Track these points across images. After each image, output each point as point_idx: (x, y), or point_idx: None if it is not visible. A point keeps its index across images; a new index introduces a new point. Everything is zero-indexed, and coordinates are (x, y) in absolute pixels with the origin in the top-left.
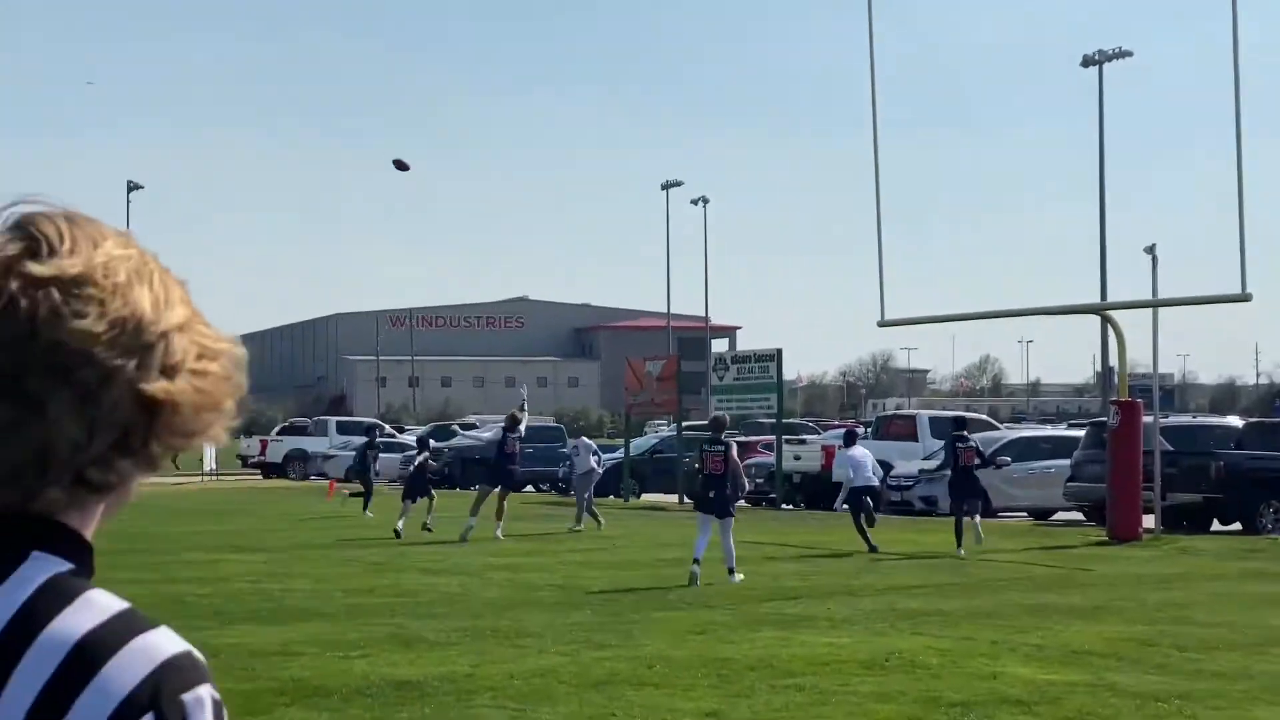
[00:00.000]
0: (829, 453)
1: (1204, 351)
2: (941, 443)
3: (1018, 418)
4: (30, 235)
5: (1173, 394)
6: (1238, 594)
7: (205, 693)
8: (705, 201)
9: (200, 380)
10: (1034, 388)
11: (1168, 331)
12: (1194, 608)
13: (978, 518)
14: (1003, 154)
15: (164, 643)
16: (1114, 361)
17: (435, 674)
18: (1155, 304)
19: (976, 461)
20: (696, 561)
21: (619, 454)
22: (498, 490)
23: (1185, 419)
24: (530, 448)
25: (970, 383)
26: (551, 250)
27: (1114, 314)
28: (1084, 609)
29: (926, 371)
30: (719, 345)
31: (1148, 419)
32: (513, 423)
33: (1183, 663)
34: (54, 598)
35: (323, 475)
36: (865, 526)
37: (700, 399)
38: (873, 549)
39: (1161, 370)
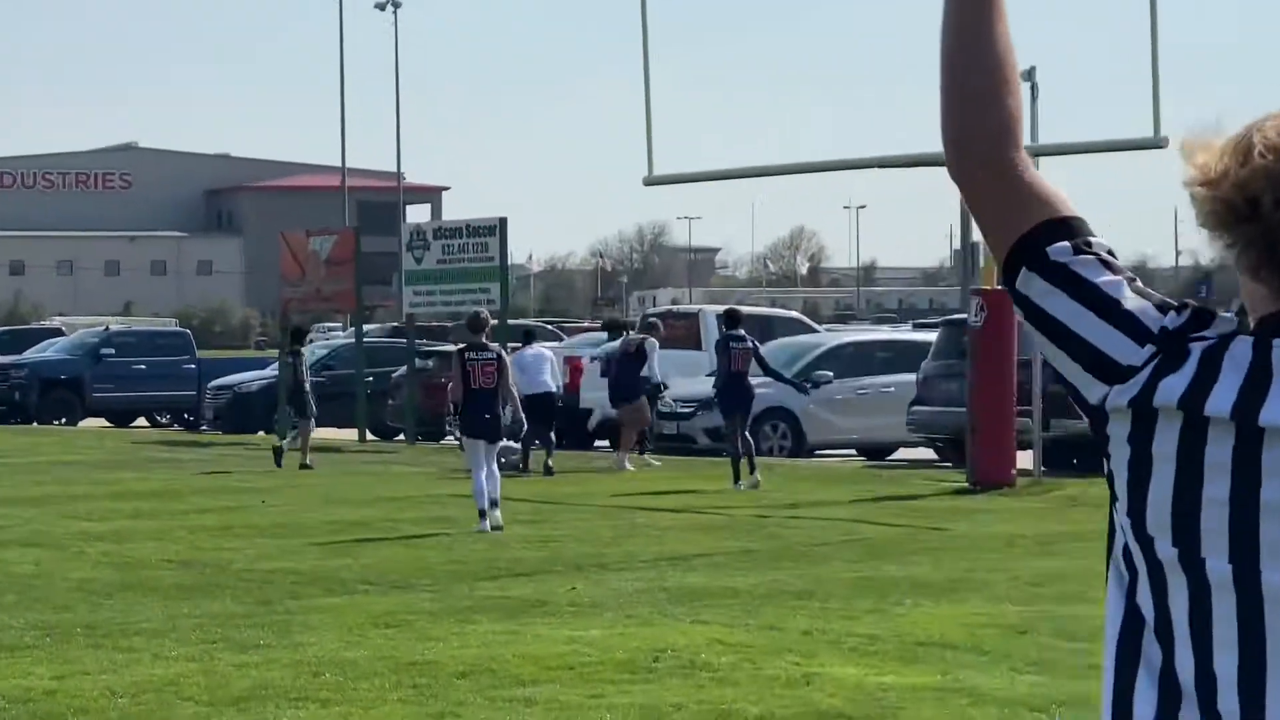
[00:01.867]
0: (575, 367)
1: (1105, 220)
2: None
3: (844, 315)
4: None
5: None
6: None
7: None
8: (396, 7)
9: None
10: (867, 273)
11: None
12: (1085, 580)
13: (749, 445)
14: None
15: None
16: (978, 235)
17: (1, 689)
18: (1034, 152)
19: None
20: (483, 513)
21: (271, 371)
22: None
23: None
24: (140, 363)
25: (778, 267)
26: (171, 78)
27: None
28: (935, 584)
29: (715, 251)
30: (417, 214)
31: None
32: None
33: (1068, 656)
34: None
35: None
36: (530, 445)
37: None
38: (524, 470)
39: None
